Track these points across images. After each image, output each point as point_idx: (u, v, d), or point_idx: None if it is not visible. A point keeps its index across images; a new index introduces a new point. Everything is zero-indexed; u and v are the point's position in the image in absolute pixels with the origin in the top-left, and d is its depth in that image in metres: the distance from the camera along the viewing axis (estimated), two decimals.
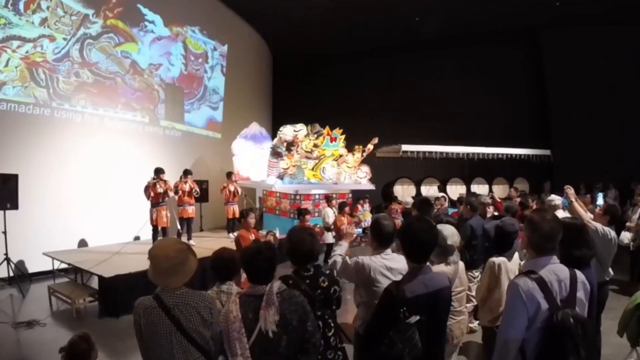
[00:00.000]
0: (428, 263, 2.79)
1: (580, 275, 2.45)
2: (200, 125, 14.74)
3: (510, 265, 3.91)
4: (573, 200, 5.18)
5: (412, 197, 14.89)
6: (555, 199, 7.02)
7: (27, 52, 9.54)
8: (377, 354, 2.56)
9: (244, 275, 2.92)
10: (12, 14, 9.26)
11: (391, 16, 16.23)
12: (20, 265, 8.89)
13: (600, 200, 12.02)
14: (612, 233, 4.61)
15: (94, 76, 10.91)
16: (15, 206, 8.42)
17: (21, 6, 9.36)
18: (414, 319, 2.47)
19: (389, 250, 3.31)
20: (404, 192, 18.09)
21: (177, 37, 13.75)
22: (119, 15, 11.53)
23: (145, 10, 12.38)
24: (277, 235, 7.24)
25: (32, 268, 9.18)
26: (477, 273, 5.73)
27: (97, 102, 11.00)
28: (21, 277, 8.64)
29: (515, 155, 17.01)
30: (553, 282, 2.33)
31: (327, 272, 3.13)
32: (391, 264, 3.22)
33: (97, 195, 10.53)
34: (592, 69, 15.94)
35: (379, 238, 3.35)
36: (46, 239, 9.17)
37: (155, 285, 2.63)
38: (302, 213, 8.53)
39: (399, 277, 2.90)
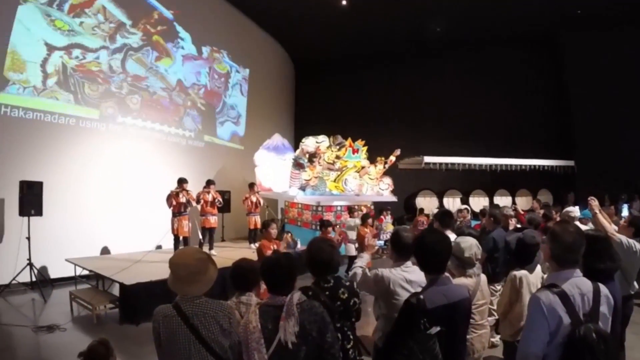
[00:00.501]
0: (447, 274, 2.78)
1: (603, 288, 2.40)
2: (226, 138, 15.03)
3: (533, 278, 3.86)
4: (597, 212, 5.09)
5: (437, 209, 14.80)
6: (574, 210, 6.93)
7: (81, 59, 10.08)
8: None
9: (263, 287, 2.93)
10: (74, 21, 9.87)
11: (409, 24, 16.33)
12: (42, 270, 9.04)
13: (625, 212, 11.80)
14: (637, 245, 4.52)
15: (129, 86, 11.34)
16: (39, 212, 8.62)
17: (66, 7, 9.77)
18: (435, 330, 2.46)
19: (409, 263, 3.29)
20: (426, 204, 17.98)
21: (213, 61, 14.38)
22: (161, 32, 12.08)
23: (179, 28, 12.87)
24: (299, 245, 7.29)
25: (54, 274, 9.32)
26: (498, 286, 5.64)
27: (125, 112, 11.35)
28: (43, 282, 8.79)
29: (539, 166, 16.76)
30: (576, 295, 2.28)
31: (347, 283, 3.11)
32: (411, 277, 3.20)
33: (120, 204, 10.70)
34: (617, 76, 15.61)
35: (398, 250, 3.34)
36: (69, 246, 9.33)
37: (175, 294, 2.64)
38: (324, 225, 8.51)
39: (418, 290, 2.88)
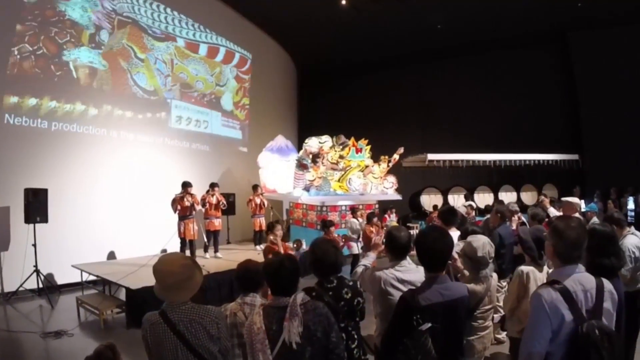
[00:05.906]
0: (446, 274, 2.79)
1: (607, 284, 2.36)
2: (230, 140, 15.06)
3: (539, 274, 3.82)
4: None
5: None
6: (572, 199, 7.05)
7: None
8: None
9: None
10: None
11: (415, 24, 16.25)
12: (49, 277, 9.08)
13: (631, 205, 11.82)
14: None
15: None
16: (45, 219, 8.66)
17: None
18: (426, 326, 2.49)
19: (404, 262, 3.28)
20: (431, 201, 17.96)
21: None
22: None
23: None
24: (304, 246, 7.29)
25: (61, 280, 9.35)
26: (504, 283, 5.62)
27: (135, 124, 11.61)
28: (50, 289, 8.85)
29: (543, 161, 16.63)
30: (578, 292, 2.25)
31: (351, 283, 3.13)
32: (403, 276, 3.19)
33: (125, 208, 10.73)
34: (624, 71, 15.53)
35: (392, 250, 3.34)
36: (75, 252, 9.34)
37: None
38: (326, 225, 8.46)
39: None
